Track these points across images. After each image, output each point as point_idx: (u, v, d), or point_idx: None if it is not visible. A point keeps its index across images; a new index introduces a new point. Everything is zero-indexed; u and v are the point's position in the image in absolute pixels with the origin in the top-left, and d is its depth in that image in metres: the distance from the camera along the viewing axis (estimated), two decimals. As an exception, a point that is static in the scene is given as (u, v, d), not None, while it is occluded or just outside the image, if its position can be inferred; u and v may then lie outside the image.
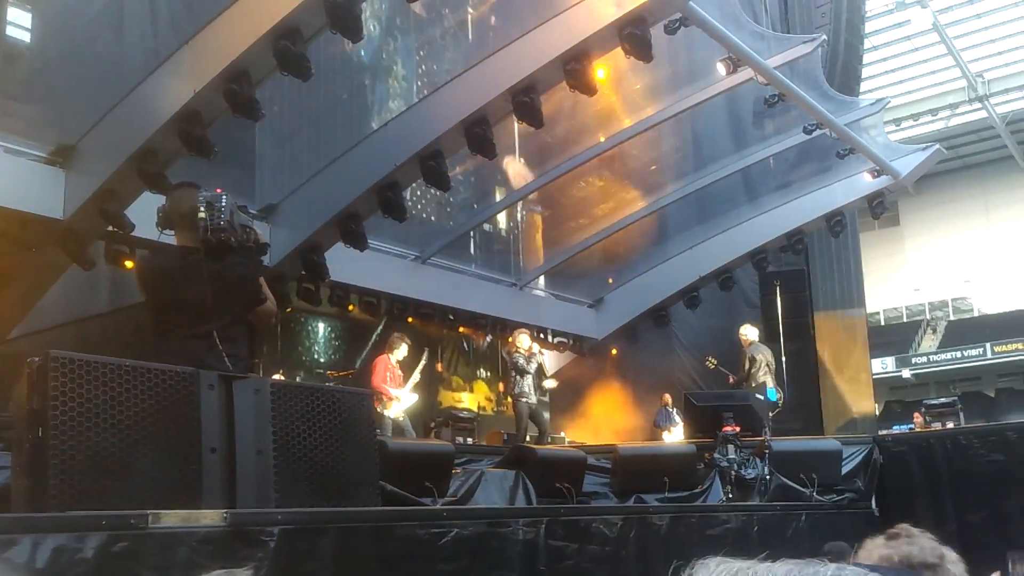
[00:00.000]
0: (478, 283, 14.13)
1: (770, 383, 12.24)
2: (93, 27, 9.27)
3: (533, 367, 12.11)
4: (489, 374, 16.00)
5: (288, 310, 11.53)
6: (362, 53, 12.26)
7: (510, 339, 12.52)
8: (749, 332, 12.63)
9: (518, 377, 11.88)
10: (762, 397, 11.59)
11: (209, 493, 4.24)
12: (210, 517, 3.97)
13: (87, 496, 3.78)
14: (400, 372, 11.44)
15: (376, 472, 5.42)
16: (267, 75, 8.04)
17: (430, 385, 12.92)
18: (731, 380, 12.67)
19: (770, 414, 11.65)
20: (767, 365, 12.31)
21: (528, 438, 12.07)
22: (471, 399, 15.29)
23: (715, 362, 13.11)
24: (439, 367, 14.85)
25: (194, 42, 8.07)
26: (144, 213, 8.16)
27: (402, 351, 11.39)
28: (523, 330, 12.49)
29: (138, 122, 8.31)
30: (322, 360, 13.80)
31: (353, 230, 10.07)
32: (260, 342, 11.21)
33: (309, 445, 4.79)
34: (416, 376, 11.64)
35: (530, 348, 12.20)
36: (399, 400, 11.21)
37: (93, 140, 8.76)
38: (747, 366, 12.32)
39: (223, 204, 4.70)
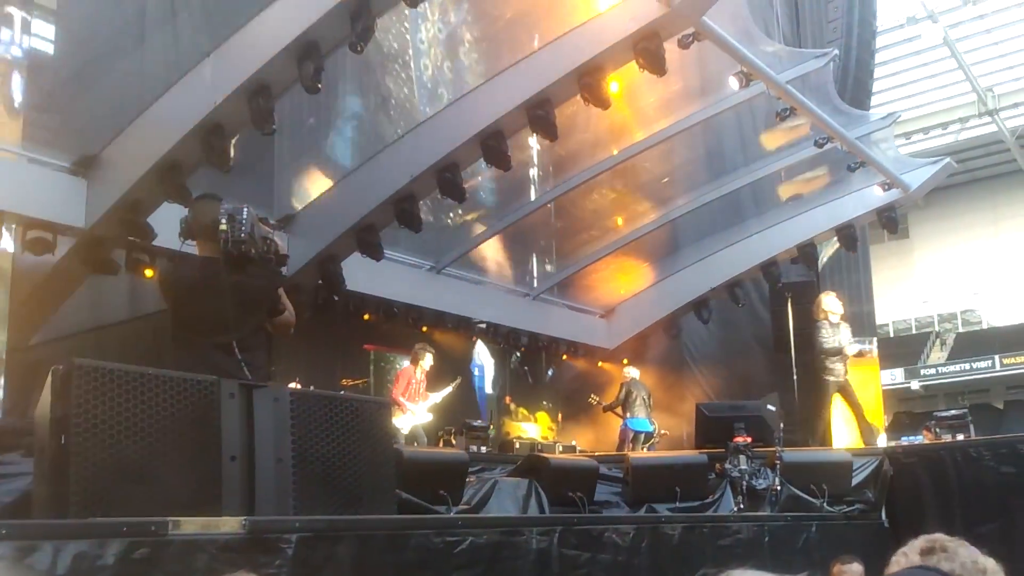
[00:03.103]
0: (492, 293, 14.20)
1: (643, 415, 13.69)
2: (116, 39, 9.39)
3: (843, 336, 10.99)
4: (551, 404, 16.37)
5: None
6: (379, 66, 12.35)
7: (814, 306, 11.41)
8: (629, 371, 14.25)
9: (825, 348, 10.94)
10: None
11: (229, 501, 4.27)
12: (229, 524, 3.99)
13: (108, 503, 3.81)
14: (424, 383, 11.53)
15: (393, 480, 5.45)
16: (287, 88, 8.15)
17: (455, 406, 12.89)
18: (604, 407, 14.12)
19: (651, 443, 13.51)
20: (642, 400, 13.76)
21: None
22: (537, 430, 15.56)
23: (596, 399, 14.35)
24: (506, 399, 15.83)
25: (215, 55, 8.18)
26: (163, 222, 8.29)
27: (427, 361, 11.47)
28: (827, 292, 11.69)
29: (160, 133, 8.42)
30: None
31: (369, 240, 10.18)
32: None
33: (327, 453, 4.80)
34: (438, 398, 11.71)
35: (842, 314, 11.10)
36: (414, 414, 11.27)
37: (115, 151, 8.87)
38: (620, 394, 13.84)
39: (244, 217, 4.78)
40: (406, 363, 11.90)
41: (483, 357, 15.78)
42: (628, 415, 13.66)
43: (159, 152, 8.28)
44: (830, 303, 11.14)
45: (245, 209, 4.85)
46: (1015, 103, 33.92)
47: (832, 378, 11.12)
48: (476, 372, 15.80)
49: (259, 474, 4.47)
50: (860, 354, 11.65)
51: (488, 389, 16.14)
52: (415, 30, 13.01)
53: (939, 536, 1.90)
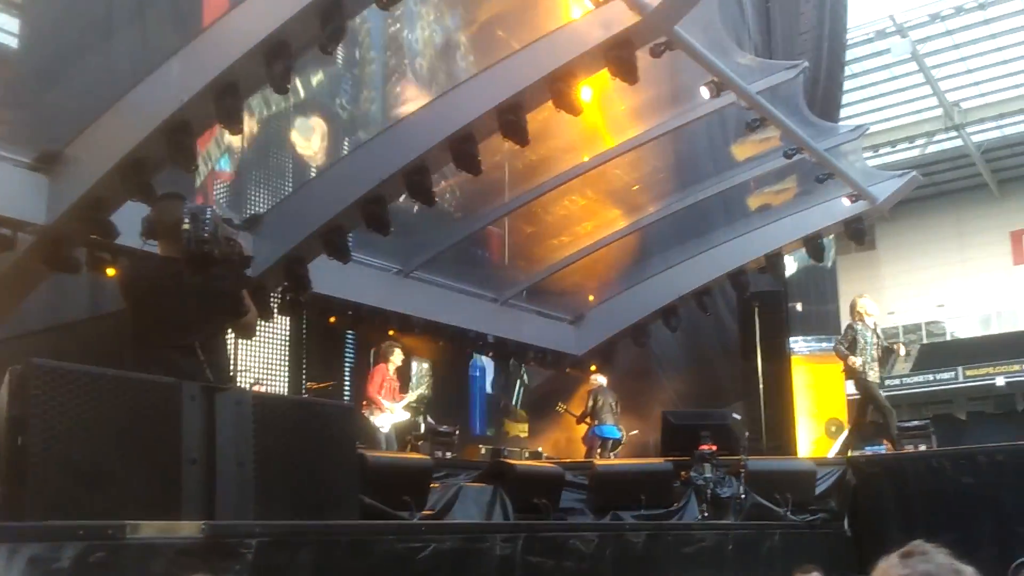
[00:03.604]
0: (460, 298, 14.13)
1: (610, 422, 13.89)
2: (82, 35, 9.24)
3: (869, 336, 10.93)
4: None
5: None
6: (348, 67, 12.27)
7: (850, 308, 11.28)
8: (598, 378, 14.53)
9: (852, 350, 10.82)
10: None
11: (188, 504, 4.24)
12: (188, 528, 3.96)
13: (65, 505, 3.77)
14: (397, 382, 11.51)
15: (356, 486, 5.44)
16: (256, 88, 8.07)
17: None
18: (576, 418, 14.32)
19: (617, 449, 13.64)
20: (609, 407, 13.98)
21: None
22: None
23: (564, 407, 14.62)
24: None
25: (183, 52, 8.07)
26: (127, 220, 8.17)
27: (397, 357, 11.48)
28: (862, 294, 11.54)
29: (125, 130, 8.26)
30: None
31: (337, 242, 10.08)
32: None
33: (290, 458, 4.80)
34: (412, 397, 11.71)
35: (871, 313, 11.07)
36: (392, 412, 11.23)
37: (79, 147, 8.70)
38: (589, 403, 14.06)
39: (207, 217, 4.74)
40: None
41: (485, 359, 16.04)
42: (595, 422, 13.75)
43: (124, 149, 8.13)
44: (867, 304, 11.16)
45: (209, 209, 4.85)
46: (981, 118, 34.39)
47: (871, 377, 11.02)
48: (477, 374, 16.18)
49: (220, 478, 4.44)
50: (893, 349, 11.66)
51: (488, 389, 16.47)
52: (388, 31, 12.94)
53: (921, 542, 1.97)
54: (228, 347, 5.25)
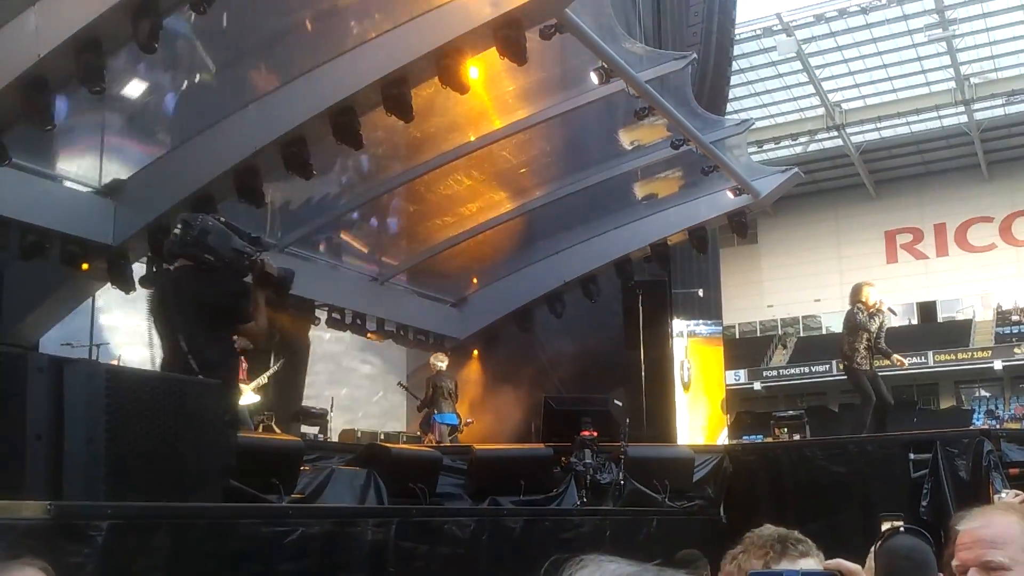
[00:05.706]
0: (338, 275, 13.78)
1: (447, 409, 13.36)
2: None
3: (874, 326, 10.72)
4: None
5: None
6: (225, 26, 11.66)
7: (861, 297, 10.93)
8: (437, 361, 13.64)
9: (850, 338, 10.70)
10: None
11: (32, 483, 4.07)
12: (32, 509, 3.79)
13: None
14: (244, 363, 11.06)
15: (222, 467, 5.30)
16: (121, 45, 7.63)
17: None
18: (418, 404, 13.68)
19: (453, 436, 13.18)
20: (448, 392, 13.40)
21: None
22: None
23: (405, 386, 14.46)
24: None
25: (42, 4, 7.58)
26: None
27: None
28: (869, 282, 11.31)
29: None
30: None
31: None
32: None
33: (148, 435, 4.60)
34: (263, 380, 11.26)
35: (878, 304, 10.80)
36: (242, 393, 10.81)
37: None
38: (428, 390, 13.40)
39: (197, 222, 5.34)
40: None
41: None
42: (435, 410, 13.36)
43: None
44: (870, 294, 10.90)
45: (202, 217, 5.47)
46: (860, 120, 35.72)
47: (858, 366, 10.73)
48: None
49: (68, 455, 4.27)
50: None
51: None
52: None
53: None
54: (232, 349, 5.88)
